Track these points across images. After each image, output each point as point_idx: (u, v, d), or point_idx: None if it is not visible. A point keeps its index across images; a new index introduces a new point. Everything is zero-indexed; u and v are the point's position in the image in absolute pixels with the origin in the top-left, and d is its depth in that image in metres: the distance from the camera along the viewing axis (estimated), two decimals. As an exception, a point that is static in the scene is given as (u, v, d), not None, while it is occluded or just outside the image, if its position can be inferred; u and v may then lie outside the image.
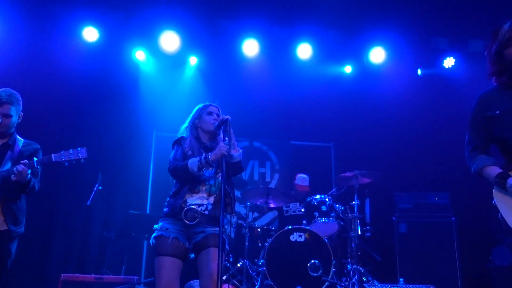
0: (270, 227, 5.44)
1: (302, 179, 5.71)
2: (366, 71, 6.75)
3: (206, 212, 2.73)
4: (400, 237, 5.44)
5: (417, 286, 4.43)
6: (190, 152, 2.84)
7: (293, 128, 6.93)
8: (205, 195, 2.78)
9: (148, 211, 6.16)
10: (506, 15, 2.37)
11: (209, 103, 3.06)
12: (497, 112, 2.25)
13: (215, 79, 6.62)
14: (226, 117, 2.80)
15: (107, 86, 6.19)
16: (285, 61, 6.60)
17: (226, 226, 2.89)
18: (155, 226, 2.80)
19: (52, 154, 3.08)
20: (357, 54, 6.70)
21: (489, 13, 5.20)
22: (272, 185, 6.66)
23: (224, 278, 4.29)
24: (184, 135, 2.99)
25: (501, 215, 2.11)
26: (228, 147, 2.69)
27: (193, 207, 2.73)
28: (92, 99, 6.09)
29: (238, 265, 4.81)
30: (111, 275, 4.42)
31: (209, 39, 6.31)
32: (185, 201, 2.75)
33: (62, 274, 4.07)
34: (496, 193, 2.17)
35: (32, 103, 5.49)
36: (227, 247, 2.92)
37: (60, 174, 5.52)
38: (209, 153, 2.74)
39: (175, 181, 2.88)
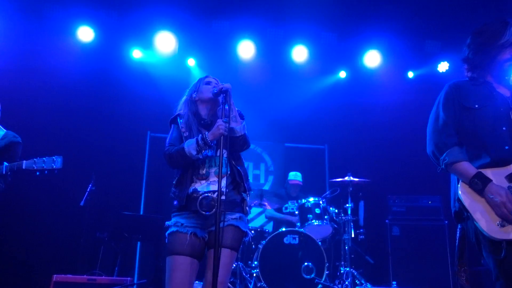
0: (264, 228, 5.45)
1: (294, 175, 5.82)
2: (360, 74, 6.78)
3: (223, 198, 2.32)
4: (393, 240, 5.47)
5: (409, 289, 4.45)
6: (186, 133, 2.56)
7: (287, 130, 6.95)
8: (215, 178, 2.45)
9: (141, 212, 6.12)
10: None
11: (207, 75, 2.80)
12: (476, 105, 2.15)
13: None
14: (227, 85, 2.52)
15: (101, 86, 6.15)
16: (280, 64, 6.63)
17: (246, 208, 2.64)
18: (167, 222, 2.49)
19: (24, 161, 2.91)
20: (352, 57, 6.74)
21: (483, 18, 5.22)
22: (266, 187, 6.67)
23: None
24: (182, 111, 2.68)
25: (470, 214, 2.01)
26: (226, 124, 2.41)
27: (208, 194, 2.42)
28: (85, 99, 6.04)
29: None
30: (103, 276, 4.38)
31: (205, 40, 6.33)
32: (196, 190, 2.45)
33: (54, 275, 4.02)
34: (466, 191, 2.05)
35: (24, 103, 5.54)
36: (249, 233, 2.55)
37: (53, 174, 5.47)
38: (206, 133, 2.45)
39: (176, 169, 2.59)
